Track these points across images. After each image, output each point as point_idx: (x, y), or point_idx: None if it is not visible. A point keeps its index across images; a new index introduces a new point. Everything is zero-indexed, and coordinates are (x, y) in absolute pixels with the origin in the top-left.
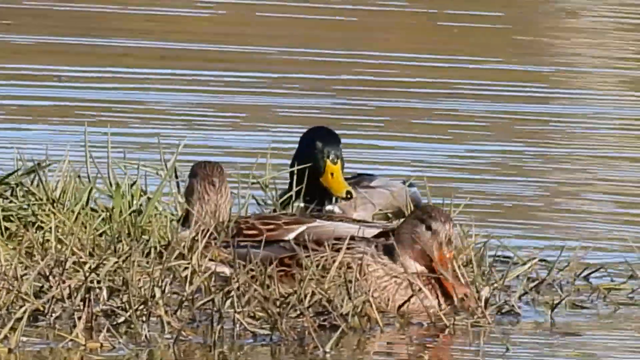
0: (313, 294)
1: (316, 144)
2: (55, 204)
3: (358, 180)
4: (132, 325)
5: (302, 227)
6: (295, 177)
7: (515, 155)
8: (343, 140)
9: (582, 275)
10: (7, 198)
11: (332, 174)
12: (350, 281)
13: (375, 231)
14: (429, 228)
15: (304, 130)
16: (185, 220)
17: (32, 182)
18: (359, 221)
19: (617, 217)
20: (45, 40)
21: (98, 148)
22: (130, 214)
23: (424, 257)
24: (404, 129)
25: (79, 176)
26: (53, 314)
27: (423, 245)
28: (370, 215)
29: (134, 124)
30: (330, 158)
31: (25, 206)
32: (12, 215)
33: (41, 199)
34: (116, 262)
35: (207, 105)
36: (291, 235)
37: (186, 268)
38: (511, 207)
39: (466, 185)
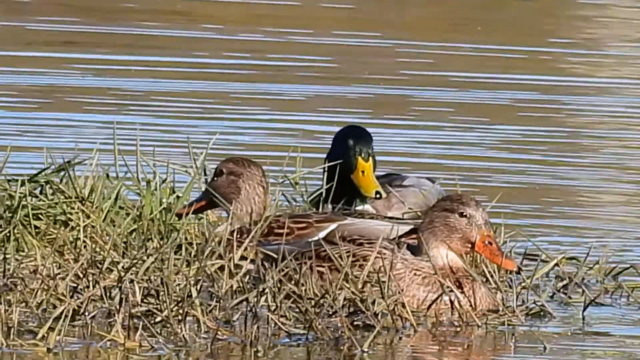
0: (347, 294)
1: (348, 141)
2: (84, 202)
3: (390, 180)
4: (169, 325)
5: (334, 225)
6: (326, 175)
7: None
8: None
9: (611, 274)
10: (36, 196)
11: (362, 172)
12: (384, 281)
13: (407, 228)
14: (462, 215)
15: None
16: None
17: (61, 180)
18: (390, 218)
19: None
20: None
21: (126, 142)
22: (160, 212)
23: (464, 245)
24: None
25: (107, 175)
26: (89, 314)
27: (462, 233)
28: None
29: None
30: (362, 156)
31: (54, 204)
32: (41, 214)
33: (70, 197)
34: (153, 262)
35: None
36: (322, 234)
37: (222, 267)
38: (538, 205)
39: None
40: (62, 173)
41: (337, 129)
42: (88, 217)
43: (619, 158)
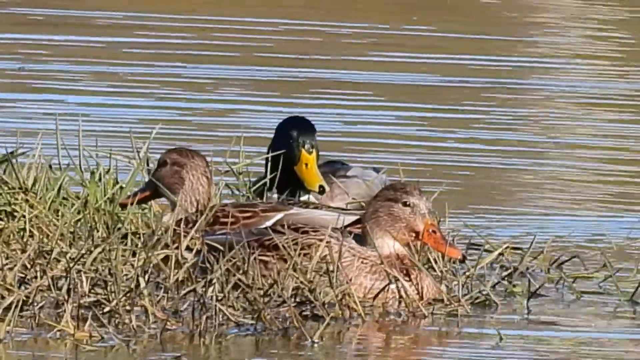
0: (295, 284)
1: (292, 132)
2: (27, 193)
3: (334, 170)
4: (117, 315)
5: (280, 215)
6: (269, 165)
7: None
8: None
9: (555, 264)
10: None
11: (306, 165)
12: (333, 270)
13: (353, 218)
14: (405, 204)
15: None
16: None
17: (4, 171)
18: (336, 208)
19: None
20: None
21: (69, 136)
22: (104, 202)
23: (407, 234)
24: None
25: (50, 166)
26: (37, 304)
27: (406, 222)
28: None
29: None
30: (306, 148)
31: (1, 194)
32: None
33: (14, 188)
34: (100, 253)
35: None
36: (268, 223)
37: (168, 258)
38: (482, 193)
39: (434, 168)
40: (4, 164)
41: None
42: (32, 207)
43: (559, 146)
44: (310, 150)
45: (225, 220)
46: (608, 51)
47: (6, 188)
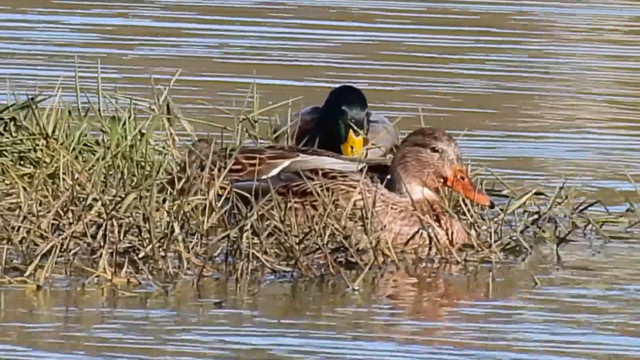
0: (331, 230)
1: (343, 109)
2: (49, 139)
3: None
4: (152, 261)
5: (286, 162)
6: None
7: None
8: None
9: (579, 209)
10: (0, 134)
11: (352, 147)
12: (367, 217)
13: (362, 165)
14: (434, 150)
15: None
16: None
17: (25, 117)
18: (344, 159)
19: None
20: None
21: (89, 81)
22: (128, 148)
23: (435, 180)
24: None
25: (69, 111)
26: (71, 251)
27: (434, 168)
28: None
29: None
30: (354, 129)
31: (20, 141)
32: (6, 150)
33: (34, 134)
34: (135, 198)
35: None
36: (275, 171)
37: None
38: (501, 145)
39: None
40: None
41: None
42: (52, 154)
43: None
44: (359, 132)
45: (233, 167)
46: None
47: (27, 134)
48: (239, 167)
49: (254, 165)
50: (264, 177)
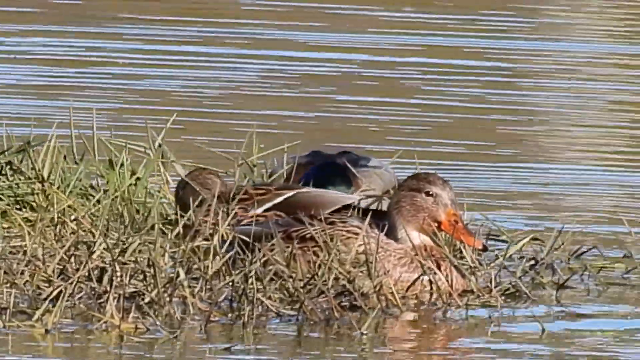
0: (335, 274)
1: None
2: (44, 183)
3: (356, 159)
4: (158, 307)
5: (292, 192)
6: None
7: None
8: None
9: (575, 254)
10: None
11: None
12: (372, 262)
13: (366, 200)
14: (429, 194)
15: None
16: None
17: (21, 161)
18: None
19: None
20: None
21: (84, 127)
22: (126, 193)
23: (430, 224)
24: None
25: (64, 157)
26: (77, 295)
27: (428, 212)
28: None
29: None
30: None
31: (18, 185)
32: (2, 194)
33: (30, 178)
34: (140, 243)
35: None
36: (280, 199)
37: (208, 248)
38: (500, 190)
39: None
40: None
41: None
42: (48, 197)
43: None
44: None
45: (241, 197)
46: None
47: (23, 178)
48: (246, 196)
49: (261, 194)
50: (268, 205)
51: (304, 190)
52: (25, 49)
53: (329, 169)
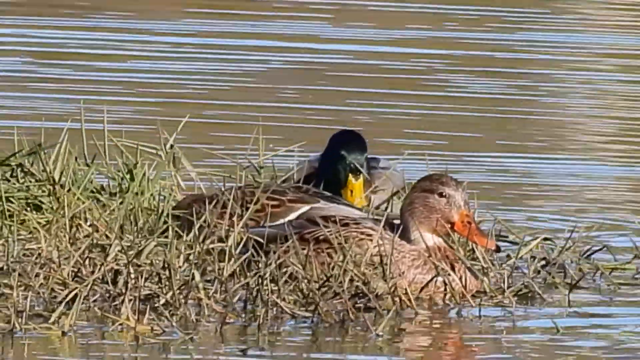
0: (350, 276)
1: (341, 152)
2: (55, 186)
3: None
4: (173, 309)
5: (306, 207)
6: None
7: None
8: None
9: (586, 254)
10: (8, 180)
11: (351, 192)
12: (387, 263)
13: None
14: (441, 195)
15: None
16: None
17: (32, 164)
18: (360, 209)
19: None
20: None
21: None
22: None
23: (443, 225)
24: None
25: (75, 158)
26: (92, 297)
27: (442, 213)
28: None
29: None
30: (353, 173)
31: (29, 187)
32: (13, 196)
33: (41, 180)
34: (156, 245)
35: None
36: (293, 215)
37: (223, 250)
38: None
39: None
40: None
41: None
42: (59, 200)
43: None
44: (358, 175)
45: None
46: None
47: (34, 180)
48: (258, 207)
49: (274, 207)
50: (281, 220)
51: (318, 204)
52: (22, 40)
53: (345, 137)
